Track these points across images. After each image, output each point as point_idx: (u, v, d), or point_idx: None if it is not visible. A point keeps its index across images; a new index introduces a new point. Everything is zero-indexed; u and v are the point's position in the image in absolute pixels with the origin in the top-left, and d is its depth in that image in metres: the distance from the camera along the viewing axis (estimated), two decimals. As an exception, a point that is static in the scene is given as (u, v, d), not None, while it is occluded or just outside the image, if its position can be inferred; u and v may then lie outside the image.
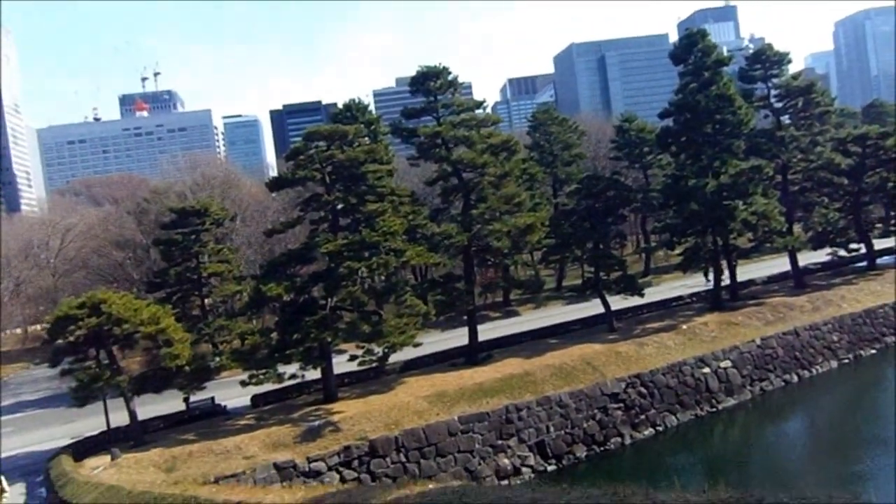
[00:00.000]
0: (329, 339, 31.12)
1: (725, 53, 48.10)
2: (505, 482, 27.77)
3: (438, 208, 40.85)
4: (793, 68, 51.69)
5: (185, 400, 33.08)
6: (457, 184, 37.96)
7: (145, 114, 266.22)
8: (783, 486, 7.82)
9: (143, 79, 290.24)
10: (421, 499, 13.06)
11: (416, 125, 38.84)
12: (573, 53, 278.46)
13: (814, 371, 38.50)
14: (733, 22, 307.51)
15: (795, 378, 37.71)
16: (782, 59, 49.31)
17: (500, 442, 29.52)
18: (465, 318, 37.45)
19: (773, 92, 49.63)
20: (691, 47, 44.17)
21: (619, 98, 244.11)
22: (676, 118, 44.03)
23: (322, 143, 33.85)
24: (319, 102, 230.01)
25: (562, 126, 63.58)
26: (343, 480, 25.89)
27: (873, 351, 41.26)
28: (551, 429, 30.60)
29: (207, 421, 31.44)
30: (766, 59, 49.05)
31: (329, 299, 32.10)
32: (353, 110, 52.52)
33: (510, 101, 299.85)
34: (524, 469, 29.23)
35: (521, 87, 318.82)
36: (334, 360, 32.64)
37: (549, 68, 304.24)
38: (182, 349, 29.14)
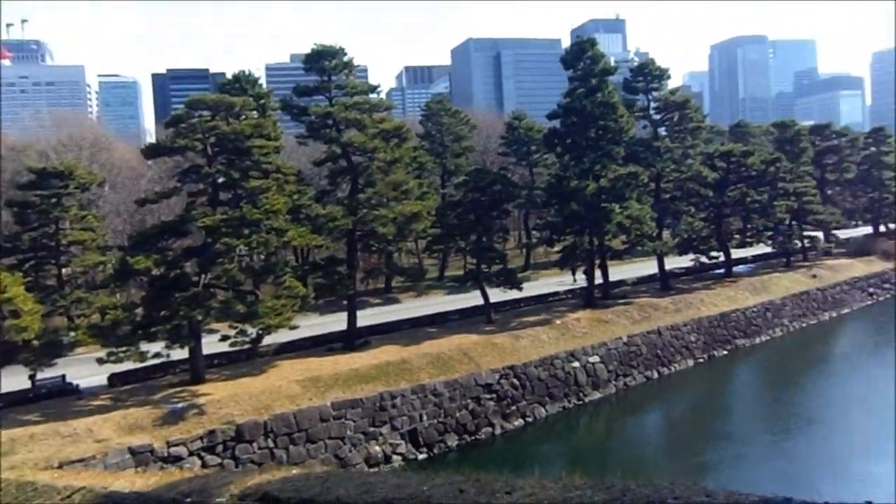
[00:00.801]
0: (200, 318, 29.81)
1: (612, 63, 50.08)
2: (375, 470, 27.77)
3: (325, 190, 40.16)
4: (671, 84, 54.60)
5: (31, 377, 30.19)
6: (345, 166, 37.50)
7: (8, 62, 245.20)
8: (636, 474, 8.29)
9: (9, 25, 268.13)
10: (283, 484, 12.79)
11: (307, 104, 37.96)
12: (470, 48, 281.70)
13: (672, 368, 40.90)
14: (622, 35, 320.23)
15: (656, 374, 39.92)
16: (662, 75, 51.93)
17: (372, 429, 29.44)
18: (345, 302, 37.11)
19: (652, 104, 52.28)
20: (581, 54, 45.60)
21: (512, 96, 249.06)
22: (563, 120, 45.34)
23: (206, 113, 32.34)
24: (207, 70, 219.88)
25: (454, 118, 64.06)
26: (205, 466, 24.90)
27: (725, 352, 44.36)
28: (424, 417, 30.85)
29: (56, 401, 28.66)
30: (648, 73, 51.48)
31: (203, 276, 30.77)
32: (243, 82, 50.59)
33: (405, 88, 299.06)
34: (395, 457, 29.34)
35: (418, 75, 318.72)
36: (204, 340, 31.35)
37: (446, 60, 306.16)
38: (31, 321, 26.73)
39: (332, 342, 36.28)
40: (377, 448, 29.13)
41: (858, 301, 57.99)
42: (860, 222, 76.95)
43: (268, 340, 32.58)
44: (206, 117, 32.14)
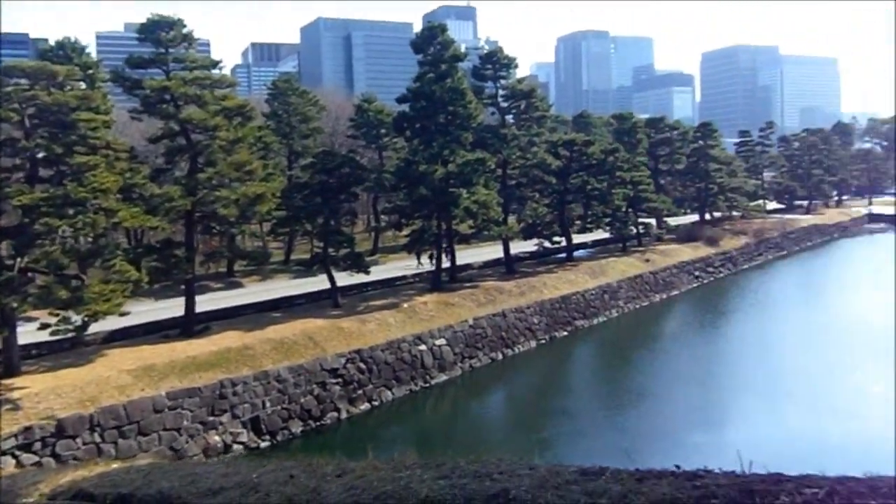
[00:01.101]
0: (15, 305, 27.17)
1: (463, 50, 50.71)
2: (214, 460, 26.57)
3: (161, 168, 37.73)
4: (520, 73, 56.25)
5: None
6: (184, 144, 35.42)
7: None
8: (478, 451, 8.31)
9: None
10: (99, 480, 11.76)
11: (142, 76, 35.48)
12: (321, 27, 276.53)
13: (516, 350, 42.21)
14: (472, 22, 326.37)
15: (501, 356, 41.04)
16: (510, 63, 53.27)
17: (211, 418, 28.18)
18: (183, 287, 35.19)
19: (500, 92, 53.46)
20: (432, 39, 45.75)
21: (363, 78, 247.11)
22: (413, 105, 45.37)
23: (24, 81, 29.45)
24: (26, 35, 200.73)
25: (302, 98, 62.42)
26: (20, 465, 22.77)
27: (566, 333, 46.33)
28: (267, 404, 29.93)
29: None
30: (496, 61, 52.58)
31: (19, 259, 28.05)
32: (68, 50, 46.52)
33: (251, 66, 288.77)
34: (236, 446, 28.27)
35: (265, 53, 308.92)
36: (20, 329, 28.67)
37: (295, 38, 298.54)
38: None
39: (169, 329, 34.28)
40: (216, 438, 27.94)
41: (686, 284, 62.41)
42: (689, 210, 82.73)
43: (95, 328, 30.22)
44: (24, 86, 29.25)
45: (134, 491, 10.73)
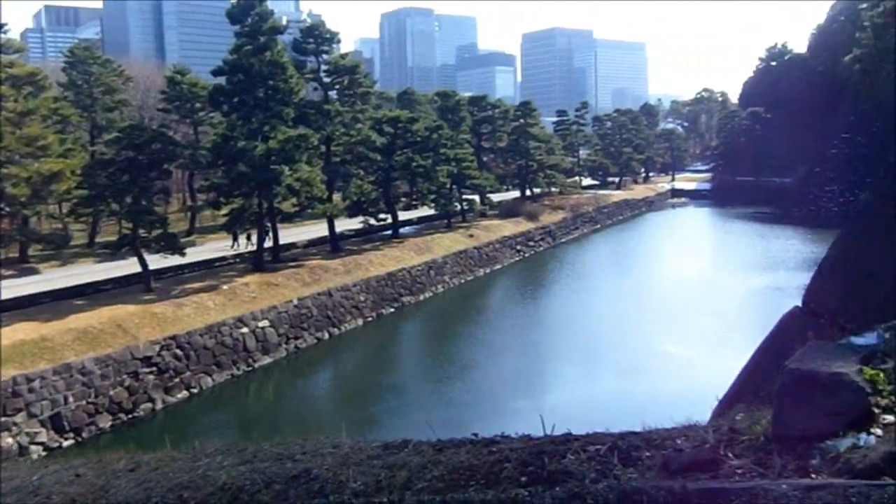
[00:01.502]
0: None
1: (284, 22, 48.95)
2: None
3: (-67, 142, 33.37)
4: (343, 49, 55.25)
5: None
6: (-40, 115, 31.45)
7: None
8: (303, 432, 7.95)
9: None
10: None
11: None
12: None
13: (343, 328, 41.79)
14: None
15: (327, 335, 40.45)
16: (333, 38, 52.14)
17: (3, 419, 25.37)
18: (-35, 276, 31.38)
19: (323, 67, 52.23)
20: (249, 9, 43.63)
21: (175, 49, 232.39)
22: (230, 78, 43.23)
23: None
24: None
25: (105, 67, 57.63)
26: None
27: (392, 309, 46.54)
28: (70, 399, 27.45)
29: None
30: (318, 35, 51.25)
31: None
32: None
33: (45, 30, 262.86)
34: (33, 447, 25.67)
35: (61, 17, 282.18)
36: None
37: (97, 2, 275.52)
38: None
39: (-52, 323, 30.44)
40: (10, 441, 25.23)
41: (508, 258, 64.80)
42: (510, 187, 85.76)
43: None
44: None
45: None
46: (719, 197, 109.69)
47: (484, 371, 35.69)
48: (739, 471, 4.78)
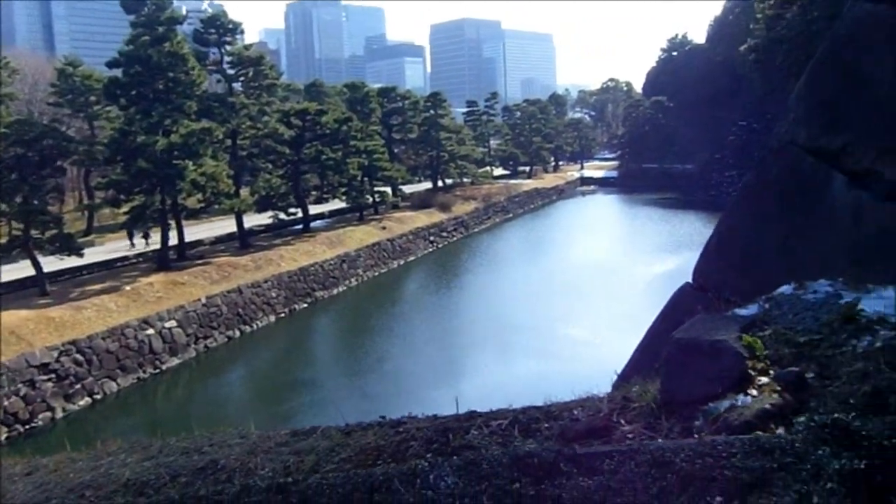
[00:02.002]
0: None
1: (183, 12, 47.38)
2: None
3: None
4: (248, 39, 53.94)
5: None
6: None
7: None
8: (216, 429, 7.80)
9: None
10: None
11: None
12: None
13: (255, 326, 41.02)
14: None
15: (238, 333, 39.61)
16: (236, 28, 50.89)
17: None
18: None
19: (226, 58, 50.87)
20: (144, -2, 42.10)
21: (66, 39, 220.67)
22: (127, 70, 41.54)
23: None
24: None
25: (-11, 59, 54.22)
26: None
27: (305, 305, 45.99)
28: (-40, 412, 25.99)
29: None
30: (220, 26, 49.91)
31: None
32: None
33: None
34: (-79, 464, 24.11)
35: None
36: None
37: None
38: None
39: None
40: None
41: (422, 249, 65.03)
42: (422, 178, 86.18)
43: None
44: None
45: None
46: (626, 184, 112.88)
47: (399, 362, 35.80)
48: (630, 435, 5.06)
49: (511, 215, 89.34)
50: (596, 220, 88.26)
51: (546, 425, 5.47)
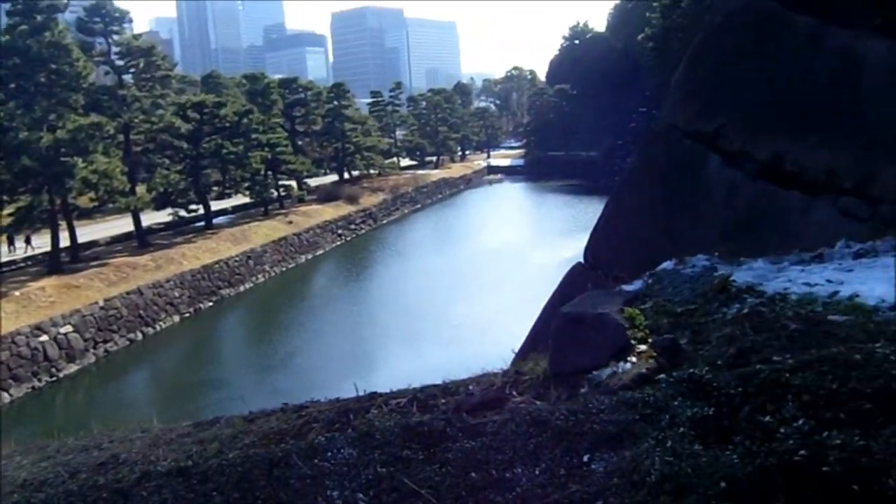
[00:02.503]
0: None
1: (63, 0, 45.04)
2: None
3: None
4: (137, 29, 51.83)
5: None
6: None
7: None
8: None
9: None
10: None
11: None
12: None
13: (158, 327, 39.82)
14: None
15: (140, 335, 38.39)
16: (123, 17, 48.86)
17: None
18: None
19: (114, 49, 48.78)
20: (22, -15, 39.84)
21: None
22: (4, 62, 39.24)
23: None
24: None
25: None
26: None
27: (211, 303, 44.96)
28: None
29: None
30: (106, 14, 47.72)
31: None
32: None
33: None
34: None
35: None
36: None
37: None
38: None
39: None
40: None
41: (330, 242, 64.56)
42: (328, 170, 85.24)
43: None
44: None
45: None
46: (532, 172, 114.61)
47: (307, 355, 35.68)
48: (522, 405, 5.41)
49: (419, 206, 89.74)
50: (502, 208, 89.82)
51: (443, 401, 5.76)
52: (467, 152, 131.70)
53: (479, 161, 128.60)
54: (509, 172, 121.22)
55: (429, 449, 4.09)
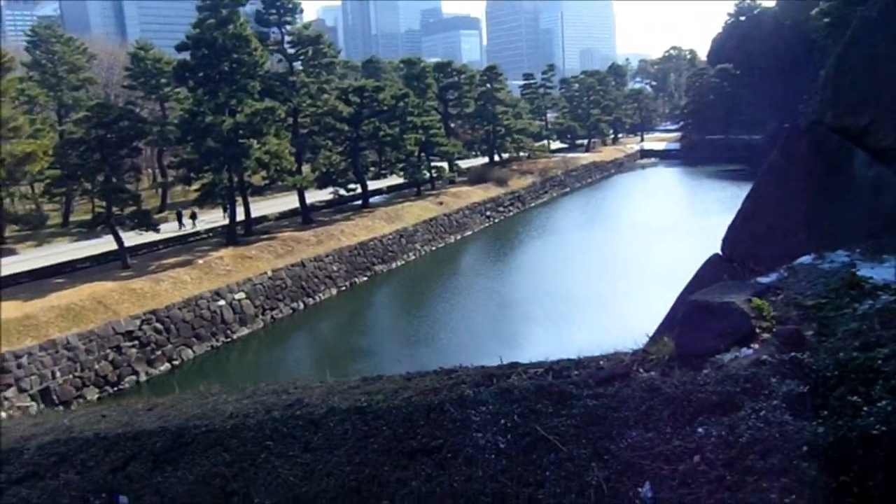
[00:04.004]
0: None
1: (245, -6, 49.04)
2: (19, 415, 25.00)
3: None
4: (306, 18, 55.37)
5: None
6: (-73, 99, 31.63)
7: None
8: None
9: None
10: None
11: None
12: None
13: (317, 298, 42.89)
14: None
15: (302, 305, 41.56)
16: (295, 8, 52.39)
17: (-6, 394, 26.32)
18: (-57, 259, 31.85)
19: (286, 38, 52.53)
20: (209, -19, 43.86)
21: (136, 24, 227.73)
22: (194, 53, 43.49)
23: None
24: None
25: (68, 46, 57.23)
26: None
27: (365, 278, 47.71)
28: (57, 374, 28.42)
29: None
30: (280, 6, 51.43)
31: None
32: None
33: (3, 9, 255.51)
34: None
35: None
36: None
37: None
38: None
39: (-69, 306, 30.98)
40: (3, 415, 26.13)
41: (478, 224, 65.94)
42: (478, 153, 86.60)
43: None
44: None
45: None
46: (689, 156, 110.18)
47: (452, 330, 37.21)
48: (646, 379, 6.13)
49: (568, 189, 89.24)
50: (654, 193, 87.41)
51: (576, 373, 6.60)
52: (620, 135, 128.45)
53: (631, 144, 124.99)
54: (664, 156, 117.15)
55: (557, 405, 5.00)
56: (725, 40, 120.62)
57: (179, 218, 47.41)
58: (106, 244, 39.30)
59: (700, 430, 4.50)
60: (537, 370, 6.81)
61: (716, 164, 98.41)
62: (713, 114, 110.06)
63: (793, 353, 5.11)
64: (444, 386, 6.69)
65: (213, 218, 49.74)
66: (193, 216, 47.13)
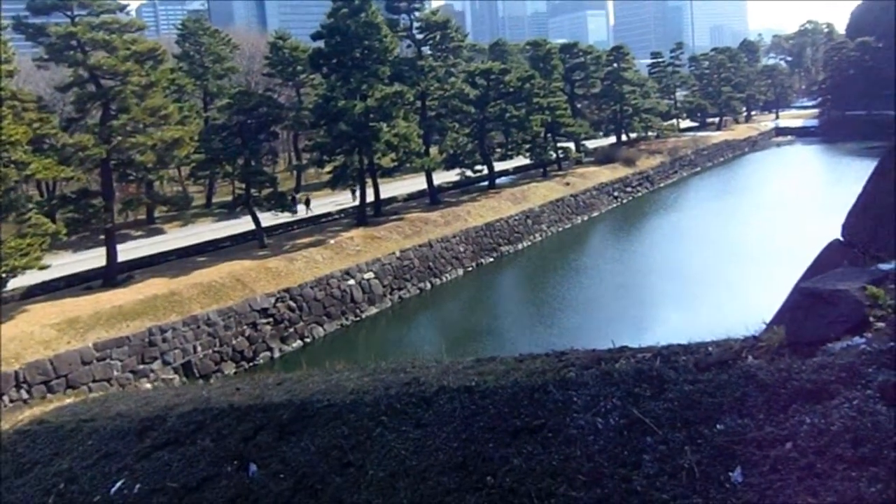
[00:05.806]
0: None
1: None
2: (162, 386, 27.18)
3: (72, 117, 36.88)
4: (434, 3, 56.06)
5: None
6: (94, 91, 34.39)
7: None
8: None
9: None
10: (58, 412, 12.55)
11: (45, 23, 34.17)
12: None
13: (444, 278, 43.60)
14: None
15: (429, 285, 42.38)
16: (422, -7, 53.15)
17: (141, 367, 28.48)
18: (103, 237, 34.85)
19: (415, 24, 53.42)
20: (343, -27, 45.16)
21: (275, 14, 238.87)
22: (328, 41, 45.07)
23: None
24: None
25: (214, 37, 60.86)
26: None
27: (491, 259, 47.98)
28: (199, 348, 30.41)
29: None
30: (410, -7, 52.34)
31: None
32: (-46, -5, 44.04)
33: (157, 4, 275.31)
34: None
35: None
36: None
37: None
38: None
39: (91, 280, 34.07)
40: (148, 386, 28.27)
41: (606, 204, 64.75)
42: (605, 133, 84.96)
43: (14, 284, 30.03)
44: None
45: (94, 416, 11.61)
46: (828, 133, 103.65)
47: (575, 313, 36.78)
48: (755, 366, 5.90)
49: (699, 169, 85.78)
50: (790, 173, 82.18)
51: (683, 358, 6.42)
52: (753, 113, 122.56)
53: (766, 122, 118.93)
54: (801, 134, 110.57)
55: (655, 389, 4.97)
56: (865, 12, 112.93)
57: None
58: (244, 224, 41.64)
59: (793, 416, 4.39)
60: (645, 354, 6.67)
61: (858, 140, 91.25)
62: (854, 89, 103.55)
63: (891, 343, 4.82)
64: (552, 368, 6.68)
65: (340, 200, 51.51)
66: (307, 202, 48.83)
